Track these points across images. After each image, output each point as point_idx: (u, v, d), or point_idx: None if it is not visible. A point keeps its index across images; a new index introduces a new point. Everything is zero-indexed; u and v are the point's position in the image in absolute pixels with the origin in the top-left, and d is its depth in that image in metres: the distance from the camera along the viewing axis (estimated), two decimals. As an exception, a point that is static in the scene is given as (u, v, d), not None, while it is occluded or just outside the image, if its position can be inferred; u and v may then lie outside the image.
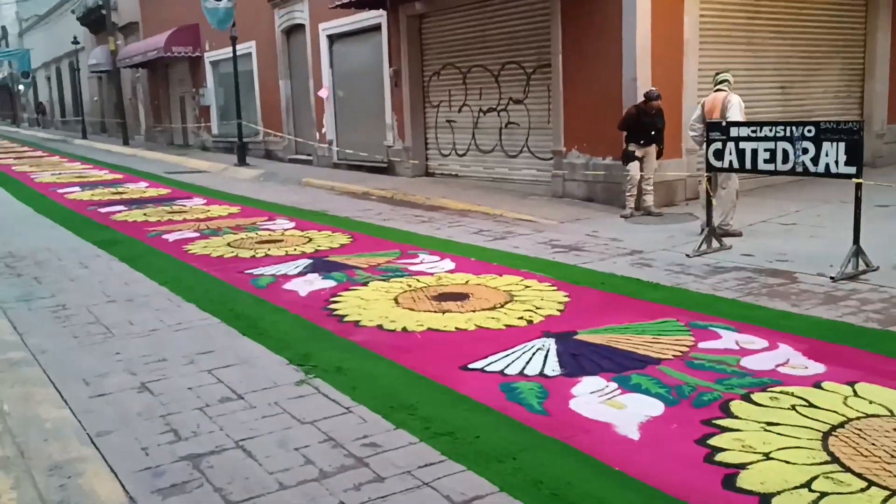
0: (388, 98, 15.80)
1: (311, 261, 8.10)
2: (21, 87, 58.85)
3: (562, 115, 11.70)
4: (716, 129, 7.63)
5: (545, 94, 12.34)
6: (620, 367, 4.61)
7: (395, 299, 6.36)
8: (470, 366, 4.73)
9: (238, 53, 20.05)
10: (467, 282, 6.92)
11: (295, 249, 8.76)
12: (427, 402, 4.18)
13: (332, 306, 6.23)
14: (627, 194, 10.12)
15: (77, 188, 16.16)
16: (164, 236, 9.95)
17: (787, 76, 12.39)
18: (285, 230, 10.16)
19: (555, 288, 6.59)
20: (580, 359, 4.77)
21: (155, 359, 5.08)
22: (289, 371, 4.78)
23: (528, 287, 6.65)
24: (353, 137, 17.26)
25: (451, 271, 7.38)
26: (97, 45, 35.58)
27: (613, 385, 4.33)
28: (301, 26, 18.93)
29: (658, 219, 9.96)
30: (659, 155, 10.13)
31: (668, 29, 10.63)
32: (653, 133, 9.88)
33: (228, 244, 9.21)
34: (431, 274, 7.27)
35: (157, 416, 4.13)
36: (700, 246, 7.81)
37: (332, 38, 17.77)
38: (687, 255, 7.70)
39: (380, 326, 5.64)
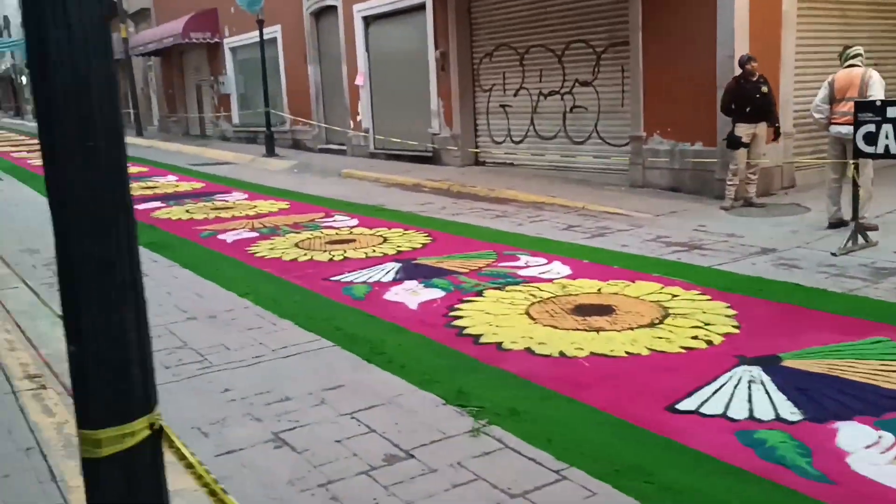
0: (433, 83, 14.83)
1: (398, 264, 7.18)
2: (24, 78, 57.78)
3: (642, 97, 10.74)
4: (867, 109, 6.68)
5: (618, 74, 11.38)
6: (874, 406, 3.70)
7: (528, 313, 5.44)
8: (678, 406, 3.81)
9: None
10: (599, 290, 5.99)
11: (374, 251, 7.83)
12: (658, 463, 3.27)
13: (457, 323, 5.31)
14: (729, 184, 9.17)
15: (103, 183, 15.20)
16: (220, 237, 9.03)
17: (880, 52, 11.41)
18: (351, 228, 9.22)
19: (708, 297, 5.67)
20: (813, 395, 3.85)
21: (275, 397, 4.16)
22: (451, 415, 3.86)
23: (675, 296, 5.73)
24: (392, 125, 16.29)
25: (571, 276, 6.45)
26: (106, 34, 34.54)
27: (886, 434, 3.41)
28: (332, 8, 17.92)
29: (763, 210, 9.03)
30: (776, 135, 9.16)
31: (766, 1, 9.66)
32: (757, 97, 8.86)
33: (296, 245, 8.29)
34: (550, 280, 6.34)
35: (316, 486, 3.21)
36: (847, 243, 6.88)
37: (368, 20, 16.76)
38: (833, 254, 6.77)
39: (529, 350, 4.72)
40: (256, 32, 18.81)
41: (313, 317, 5.61)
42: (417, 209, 10.60)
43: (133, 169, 17.80)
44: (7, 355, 4.66)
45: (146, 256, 7.94)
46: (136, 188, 14.04)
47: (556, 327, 5.10)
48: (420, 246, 8.02)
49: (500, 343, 4.86)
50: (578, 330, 5.03)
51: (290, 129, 20.46)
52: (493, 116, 13.93)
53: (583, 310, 5.47)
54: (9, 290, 6.75)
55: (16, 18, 56.81)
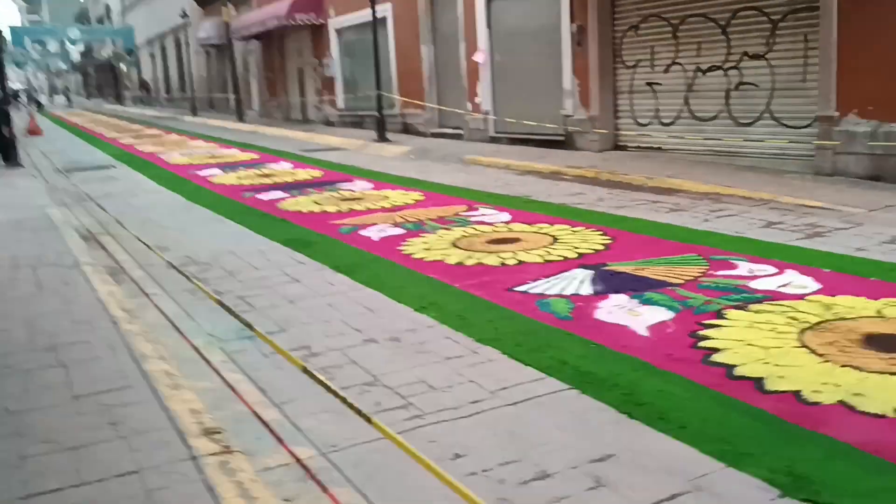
0: (566, 60, 13.56)
1: (588, 271, 6.02)
2: (123, 66, 59.02)
3: (834, 71, 9.24)
4: None
5: (800, 45, 9.90)
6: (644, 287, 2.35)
7: (805, 345, 4.21)
8: None
9: (370, 18, 18.08)
10: (880, 312, 4.70)
11: (549, 253, 6.69)
12: None
13: (717, 358, 4.13)
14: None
15: (217, 170, 14.57)
16: (362, 233, 8.06)
17: None
18: (508, 224, 8.12)
19: None
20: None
21: (530, 471, 3.08)
22: (801, 514, 2.71)
23: None
24: (516, 107, 15.10)
25: (824, 292, 5.17)
26: (204, 19, 34.44)
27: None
28: (449, -17, 16.83)
29: None
30: None
31: None
32: None
33: (454, 245, 7.23)
34: (800, 297, 5.08)
35: None
36: None
37: (491, -6, 15.61)
38: None
39: (846, 405, 3.51)
40: (363, 13, 17.97)
41: (521, 343, 4.52)
42: (571, 201, 9.42)
43: (243, 155, 17.24)
44: (172, 397, 3.73)
45: (289, 257, 7.06)
46: (251, 176, 13.34)
47: (859, 368, 3.86)
48: (602, 247, 6.83)
49: (798, 392, 3.65)
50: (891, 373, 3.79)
51: (400, 112, 19.51)
52: (637, 96, 12.59)
53: (879, 342, 4.21)
54: (149, 297, 5.91)
55: (116, 6, 57.93)
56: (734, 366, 4.00)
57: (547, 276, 5.95)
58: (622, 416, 3.53)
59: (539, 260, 6.49)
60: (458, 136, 17.28)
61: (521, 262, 6.45)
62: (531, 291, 5.58)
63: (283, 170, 14.27)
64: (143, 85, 53.36)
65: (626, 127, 12.92)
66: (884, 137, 8.83)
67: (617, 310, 5.03)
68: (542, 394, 3.81)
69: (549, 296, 5.44)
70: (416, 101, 18.61)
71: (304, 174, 13.49)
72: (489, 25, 15.73)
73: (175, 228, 8.89)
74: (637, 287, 5.50)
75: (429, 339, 4.70)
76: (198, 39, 35.13)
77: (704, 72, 11.32)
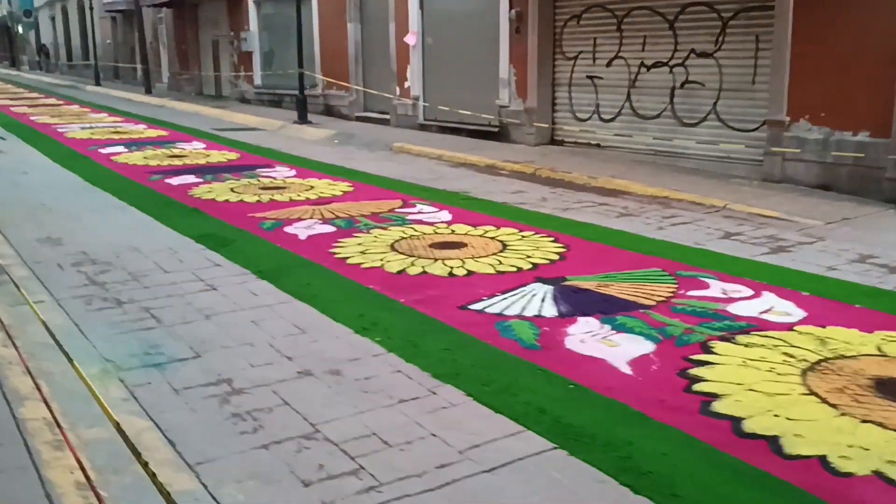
0: (504, 47, 12.92)
1: (546, 286, 5.40)
2: (21, 27, 55.20)
3: (787, 73, 8.90)
4: None
5: (751, 45, 9.53)
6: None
7: (812, 391, 3.68)
8: None
9: (297, -9, 17.01)
10: (880, 349, 4.23)
11: (501, 263, 6.03)
12: None
13: (718, 407, 3.55)
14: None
15: (121, 147, 13.31)
16: (287, 229, 7.22)
17: None
18: (449, 225, 7.42)
19: None
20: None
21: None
22: None
23: None
24: (448, 94, 14.37)
25: (811, 321, 4.68)
26: (113, -18, 32.28)
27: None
28: (380, -41, 15.92)
29: (963, 222, 7.28)
30: None
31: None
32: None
33: (392, 248, 6.48)
34: (788, 327, 4.57)
35: None
36: None
37: (425, -27, 14.80)
38: None
39: (881, 475, 2.98)
40: (291, -17, 16.81)
41: (487, 381, 3.84)
42: (513, 200, 8.79)
43: (151, 132, 15.92)
44: (53, 463, 2.87)
45: (203, 257, 6.17)
46: (160, 156, 12.20)
47: (883, 426, 3.35)
48: (557, 257, 6.22)
49: (824, 458, 3.10)
50: (922, 432, 3.29)
51: (323, 93, 18.50)
52: (577, 89, 12.06)
53: (892, 388, 3.72)
54: (32, 306, 4.95)
55: (14, -37, 54.09)
56: (741, 419, 3.42)
57: (503, 292, 5.28)
58: (625, 491, 2.89)
59: (490, 270, 5.82)
60: (384, 122, 16.44)
61: (470, 273, 5.76)
62: (488, 311, 4.91)
63: (196, 150, 13.14)
64: (42, 50, 50.00)
65: (564, 121, 12.39)
66: (836, 146, 8.54)
67: (589, 338, 4.41)
68: (523, 455, 3.14)
69: (510, 317, 4.77)
70: (340, 82, 17.65)
71: (218, 156, 12.43)
72: (422, 6, 14.92)
73: (70, 216, 7.82)
74: (606, 308, 4.90)
75: (376, 373, 3.96)
76: (103, 4, 32.93)
77: (649, 68, 10.87)
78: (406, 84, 15.54)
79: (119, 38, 34.95)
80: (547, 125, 12.53)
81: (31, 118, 18.73)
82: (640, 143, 11.10)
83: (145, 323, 4.69)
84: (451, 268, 5.88)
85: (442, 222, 7.53)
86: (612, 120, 11.55)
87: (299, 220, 7.62)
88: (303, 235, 6.98)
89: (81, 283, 5.49)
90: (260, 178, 10.20)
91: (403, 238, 6.84)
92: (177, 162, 11.71)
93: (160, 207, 8.26)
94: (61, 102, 24.28)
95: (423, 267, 5.91)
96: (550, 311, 4.89)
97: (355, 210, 8.09)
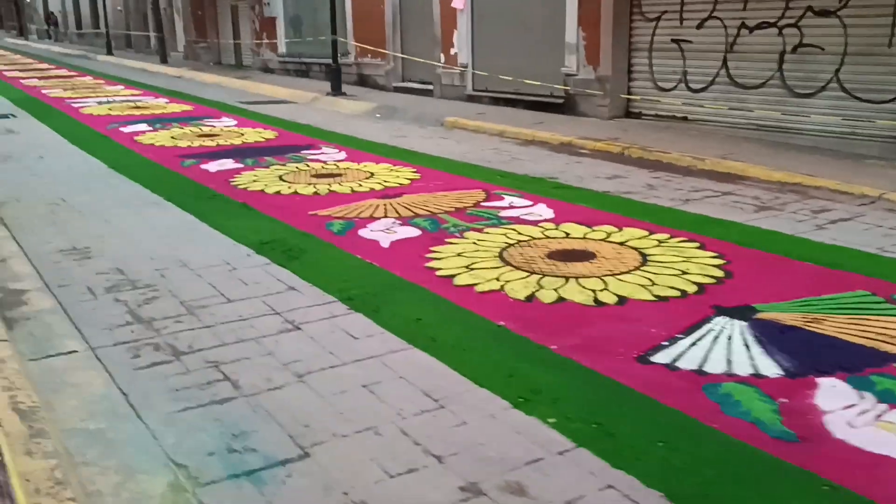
0: (571, 8, 11.46)
1: (734, 321, 4.08)
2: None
3: (942, 34, 7.46)
4: None
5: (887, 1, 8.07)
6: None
7: None
8: None
9: (329, -52, 15.50)
10: None
11: (654, 284, 4.70)
12: None
13: None
14: None
15: (144, 125, 11.98)
16: (362, 232, 5.91)
17: None
18: (559, 225, 6.07)
19: None
20: None
21: None
22: None
23: None
24: (502, 62, 12.93)
25: None
26: (122, -55, 30.70)
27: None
28: (421, -89, 14.40)
29: None
30: None
31: None
32: None
33: (501, 258, 5.17)
34: None
35: None
36: None
37: (475, -74, 13.29)
38: None
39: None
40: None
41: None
42: (614, 188, 7.45)
43: (174, 106, 14.51)
44: None
45: (271, 276, 4.88)
46: (189, 135, 10.88)
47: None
48: (720, 273, 4.89)
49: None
50: None
51: (356, 61, 17.05)
52: (659, 55, 10.62)
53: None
54: (58, 358, 3.69)
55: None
56: None
57: (682, 332, 3.97)
58: None
59: (646, 296, 4.51)
60: (426, 93, 15.03)
61: (622, 300, 4.45)
62: (681, 365, 3.60)
63: (228, 128, 11.79)
64: (51, 18, 48.41)
65: (642, 91, 10.96)
66: None
67: (856, 416, 3.10)
68: None
69: (718, 377, 3.47)
70: (376, 49, 16.17)
71: (254, 135, 11.08)
72: (471, -37, 13.44)
73: (97, 216, 6.53)
74: (843, 361, 3.59)
75: (575, 489, 2.67)
76: (113, -32, 31.37)
77: (752, 29, 9.41)
78: (452, 51, 14.10)
79: (131, 5, 33.40)
80: (622, 96, 11.11)
81: (43, 91, 17.40)
82: (739, 116, 9.69)
83: (218, 389, 3.41)
84: (594, 291, 4.57)
85: (545, 220, 6.20)
86: (703, 90, 10.12)
87: (372, 218, 6.31)
88: (384, 242, 5.67)
89: (123, 321, 4.21)
90: (308, 163, 8.87)
91: (510, 245, 5.52)
92: (209, 142, 10.38)
93: (202, 202, 6.96)
94: (73, 74, 22.91)
95: (555, 290, 4.59)
96: (766, 364, 3.58)
97: (433, 204, 6.76)
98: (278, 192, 7.36)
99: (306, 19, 19.44)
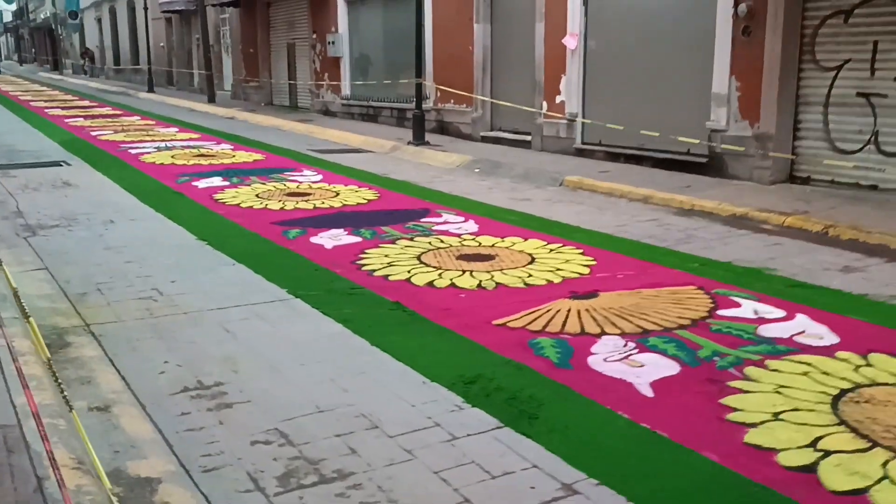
0: (721, 53, 9.83)
1: None
2: (65, 30, 53.09)
3: None
4: None
5: None
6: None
7: None
8: None
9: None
10: None
11: None
12: None
13: None
14: None
15: (218, 178, 10.43)
16: (594, 363, 4.17)
17: None
18: (837, 353, 4.33)
19: None
20: None
21: None
22: None
23: None
24: (620, 112, 11.31)
25: None
26: (169, -20, 29.72)
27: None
28: (524, -57, 12.93)
29: None
30: None
31: None
32: None
33: (776, 416, 3.45)
34: None
35: None
36: None
37: (592, -41, 11.79)
38: None
39: None
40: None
41: None
42: (865, 289, 5.69)
43: (243, 154, 12.79)
44: None
45: (504, 445, 3.12)
46: (275, 192, 9.31)
47: None
48: None
49: None
50: None
51: (436, 106, 15.51)
52: (838, 110, 8.94)
53: None
54: None
55: (59, -37, 52.14)
56: None
57: None
58: None
59: None
60: (520, 144, 13.43)
61: None
62: None
63: (315, 184, 10.19)
64: (87, 53, 47.71)
65: (811, 152, 9.27)
66: None
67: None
68: None
69: None
70: (461, 92, 14.60)
71: (350, 194, 9.47)
72: (585, 1, 11.89)
73: (211, 322, 4.87)
74: None
75: None
76: (159, 4, 30.35)
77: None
78: (558, 98, 12.50)
79: (174, 42, 32.35)
80: (787, 156, 9.42)
81: (92, 133, 15.99)
82: (955, 187, 7.97)
83: None
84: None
85: (819, 345, 4.47)
86: (900, 153, 8.42)
87: (586, 335, 4.59)
88: (642, 384, 3.94)
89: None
90: (440, 237, 7.21)
91: (796, 390, 3.79)
92: (303, 204, 8.77)
93: (339, 299, 5.30)
94: (119, 112, 21.60)
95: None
96: None
97: (655, 312, 5.03)
98: (431, 284, 5.69)
99: (375, 60, 18.00)
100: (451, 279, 5.81)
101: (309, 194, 9.39)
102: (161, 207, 8.48)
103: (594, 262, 6.33)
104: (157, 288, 5.55)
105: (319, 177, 10.81)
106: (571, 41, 12.05)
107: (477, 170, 11.78)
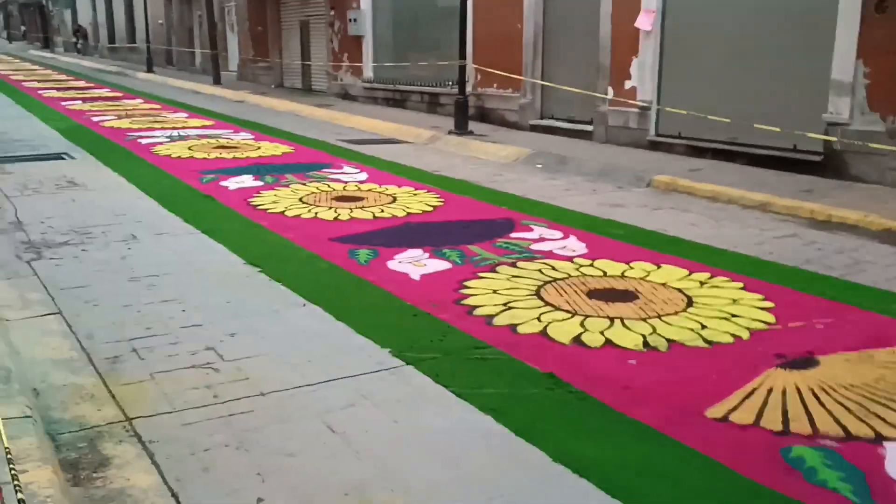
0: (846, 33, 8.37)
1: None
2: (53, 7, 51.05)
3: None
4: None
5: None
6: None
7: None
8: None
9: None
10: None
11: None
12: None
13: None
14: None
15: (248, 177, 8.96)
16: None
17: None
18: None
19: None
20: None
21: None
22: None
23: None
24: (706, 101, 9.83)
25: None
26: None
27: None
28: None
29: None
30: None
31: None
32: None
33: None
34: None
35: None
36: None
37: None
38: None
39: None
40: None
41: None
42: None
43: (269, 146, 10.97)
44: None
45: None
46: (322, 196, 7.84)
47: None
48: None
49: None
50: None
51: (476, 91, 13.98)
52: None
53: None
54: None
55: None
56: None
57: None
58: None
59: None
60: (578, 134, 11.96)
61: None
62: None
63: (363, 184, 8.71)
64: (79, 31, 45.73)
65: (957, 150, 7.86)
66: None
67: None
68: None
69: None
70: (508, 74, 13.06)
71: (408, 198, 7.99)
72: (664, -27, 10.40)
73: (302, 408, 3.43)
74: None
75: None
76: (157, -22, 28.60)
77: None
78: (628, 83, 11.02)
79: (174, 19, 30.60)
80: (926, 157, 8.01)
81: (94, 119, 14.42)
82: None
83: None
84: None
85: None
86: None
87: (856, 442, 3.17)
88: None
89: None
90: (545, 259, 5.75)
91: None
92: (360, 213, 7.28)
93: (466, 367, 3.87)
94: (119, 94, 19.99)
95: None
96: None
97: (845, 381, 3.63)
98: (579, 341, 4.24)
99: (403, 39, 16.45)
100: (601, 332, 4.36)
101: (361, 199, 7.91)
102: (190, 217, 6.99)
103: (772, 305, 4.89)
104: (212, 347, 4.09)
105: (364, 175, 9.32)
106: (646, 21, 10.54)
107: (539, 165, 10.32)
